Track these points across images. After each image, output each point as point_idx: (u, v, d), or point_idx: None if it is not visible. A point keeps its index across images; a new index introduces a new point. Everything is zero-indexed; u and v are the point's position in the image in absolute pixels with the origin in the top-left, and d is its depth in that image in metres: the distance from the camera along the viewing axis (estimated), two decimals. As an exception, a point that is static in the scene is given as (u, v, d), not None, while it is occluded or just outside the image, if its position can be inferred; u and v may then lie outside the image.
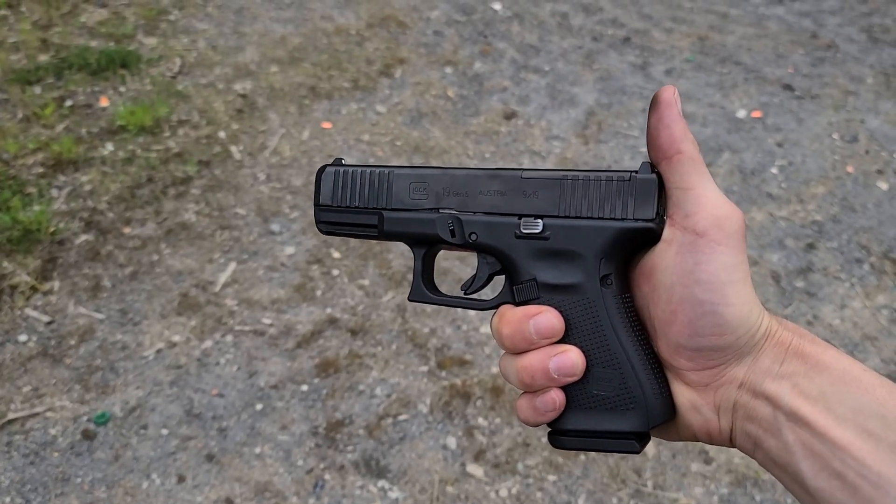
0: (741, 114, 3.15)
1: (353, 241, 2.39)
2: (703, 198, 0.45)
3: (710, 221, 0.44)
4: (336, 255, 2.33)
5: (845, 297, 2.36)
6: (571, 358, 0.46)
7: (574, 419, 0.47)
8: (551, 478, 1.79)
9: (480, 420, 1.90)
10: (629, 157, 2.87)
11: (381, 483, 1.75)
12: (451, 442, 1.85)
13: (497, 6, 3.73)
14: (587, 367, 0.47)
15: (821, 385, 0.42)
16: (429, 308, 2.19)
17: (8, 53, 2.91)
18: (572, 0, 3.85)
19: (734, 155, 2.92)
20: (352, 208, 0.52)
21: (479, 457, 1.83)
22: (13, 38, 3.01)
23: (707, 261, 0.43)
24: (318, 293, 2.20)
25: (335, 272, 2.28)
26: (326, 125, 2.88)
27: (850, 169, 2.89)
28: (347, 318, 2.13)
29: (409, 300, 0.53)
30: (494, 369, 2.00)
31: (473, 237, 0.49)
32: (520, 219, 0.47)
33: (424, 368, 2.02)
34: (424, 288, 0.52)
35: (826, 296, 2.37)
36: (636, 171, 0.46)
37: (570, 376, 0.46)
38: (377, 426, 1.87)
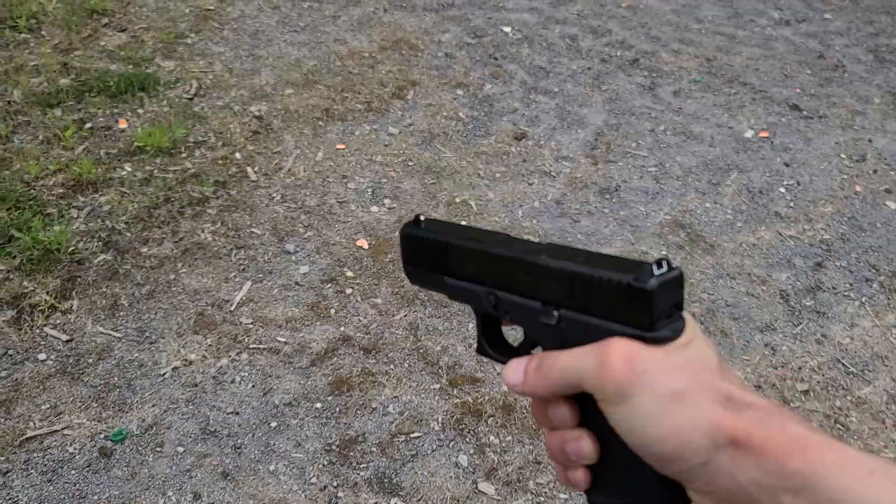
0: (749, 134, 3.18)
1: (366, 261, 2.43)
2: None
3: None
4: (349, 273, 2.37)
5: (855, 316, 2.37)
6: (583, 447, 0.46)
7: (601, 495, 0.48)
8: (562, 496, 1.80)
9: (492, 438, 1.92)
10: (638, 177, 2.90)
11: (394, 501, 1.77)
12: (463, 459, 1.87)
13: (507, 29, 3.79)
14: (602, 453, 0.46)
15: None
16: (440, 327, 2.22)
17: (29, 77, 2.98)
18: (581, 23, 3.90)
19: (742, 174, 2.95)
20: (422, 269, 0.55)
21: (490, 474, 1.84)
22: (34, 61, 3.08)
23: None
24: (332, 312, 2.23)
25: (348, 291, 2.31)
26: (340, 146, 2.93)
27: (858, 188, 2.91)
28: (360, 337, 2.16)
29: (476, 352, 0.56)
30: (505, 387, 2.02)
31: (507, 316, 0.51)
32: (542, 305, 0.47)
33: (436, 386, 2.05)
34: (485, 345, 0.54)
35: (835, 315, 2.38)
36: (638, 275, 0.42)
37: (587, 460, 0.46)
38: (390, 444, 1.89)
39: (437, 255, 0.54)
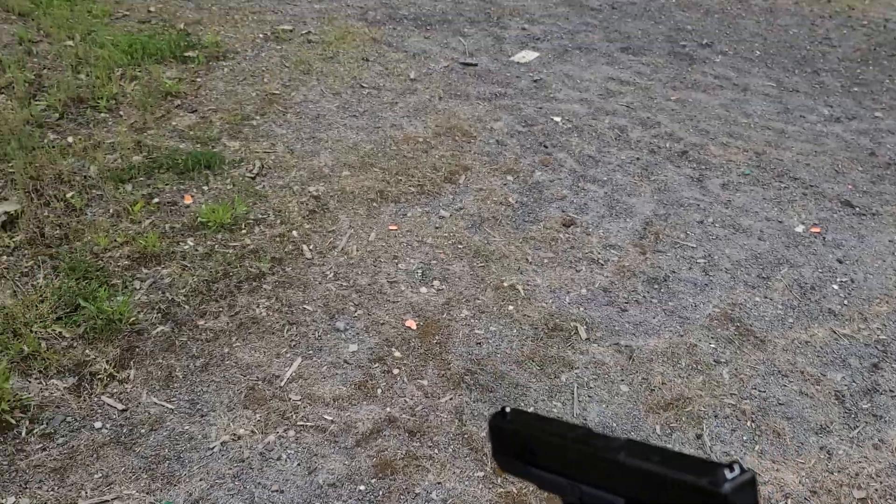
0: (799, 229, 3.17)
1: (414, 342, 2.46)
2: None
3: None
4: (397, 354, 2.40)
5: (914, 421, 2.30)
6: None
7: None
8: None
9: (535, 531, 1.89)
10: (686, 268, 2.90)
11: (435, 591, 1.74)
12: (506, 552, 1.84)
13: (557, 119, 3.90)
14: None
15: None
16: (486, 412, 2.22)
17: (105, 153, 3.17)
18: (630, 115, 4.00)
19: (793, 269, 2.93)
20: (511, 459, 0.58)
21: (533, 570, 1.81)
22: (111, 139, 3.28)
23: None
24: (379, 392, 2.26)
25: (395, 371, 2.34)
26: (392, 227, 3.01)
27: (914, 288, 2.86)
28: (406, 419, 2.18)
29: None
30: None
31: None
32: (625, 501, 0.50)
33: (480, 474, 2.03)
34: None
35: (893, 419, 2.31)
36: (713, 479, 0.43)
37: None
38: (432, 531, 1.87)
39: (523, 448, 0.57)
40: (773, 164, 3.62)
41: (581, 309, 2.68)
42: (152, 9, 4.59)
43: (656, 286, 2.81)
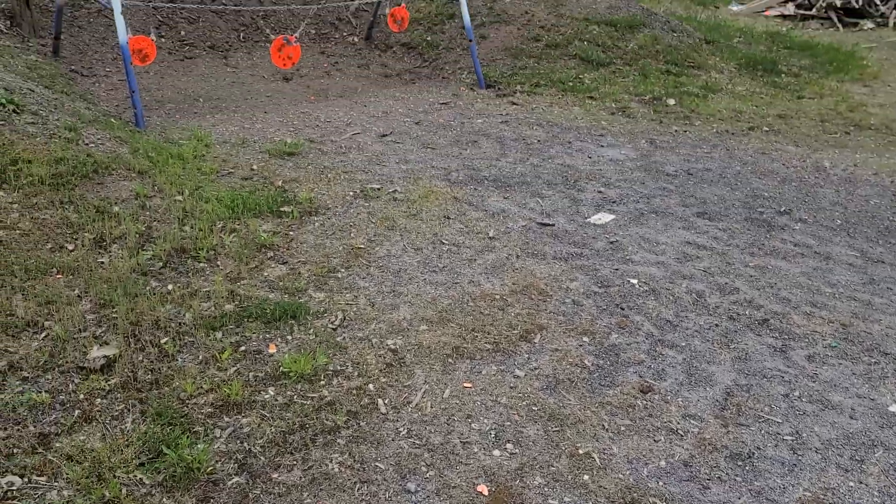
0: (894, 408, 3.01)
1: (485, 509, 2.40)
2: None
3: None
4: (467, 522, 2.34)
5: None
6: None
7: None
8: None
9: None
10: (772, 445, 2.77)
11: None
12: None
13: (634, 281, 3.93)
14: None
15: None
16: None
17: (200, 302, 3.37)
18: (708, 279, 4.00)
19: (888, 453, 2.76)
20: None
21: None
22: (207, 288, 3.49)
23: None
24: (447, 563, 2.19)
25: (465, 541, 2.27)
26: (467, 385, 3.03)
27: None
28: None
29: None
30: None
31: None
32: None
33: None
34: None
35: None
36: None
37: None
38: None
39: None
40: (861, 337, 3.51)
41: (660, 483, 2.57)
42: (255, 167, 5.00)
43: (740, 463, 2.69)
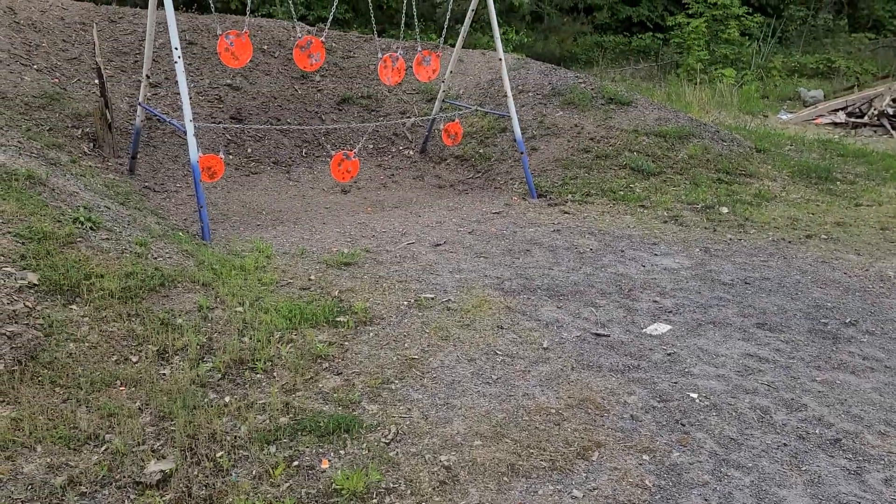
0: None
1: None
2: None
3: None
4: None
5: None
6: None
7: None
8: None
9: None
10: (854, 580, 2.58)
11: None
12: None
13: (694, 395, 3.82)
14: None
15: None
16: None
17: (256, 414, 3.40)
18: (772, 394, 3.85)
19: None
20: None
21: None
22: (262, 400, 3.53)
23: None
24: None
25: None
26: (522, 506, 2.94)
27: None
28: None
29: None
30: None
31: None
32: None
33: None
34: None
35: None
36: None
37: None
38: None
39: None
40: (944, 459, 3.29)
41: None
42: (312, 277, 5.13)
43: None
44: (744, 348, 4.42)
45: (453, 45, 9.05)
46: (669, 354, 4.29)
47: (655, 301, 5.09)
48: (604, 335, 4.51)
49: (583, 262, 5.84)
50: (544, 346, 4.32)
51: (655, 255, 6.10)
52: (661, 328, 4.65)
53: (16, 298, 3.74)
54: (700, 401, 3.78)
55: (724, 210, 7.38)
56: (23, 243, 4.14)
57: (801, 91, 15.47)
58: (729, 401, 3.78)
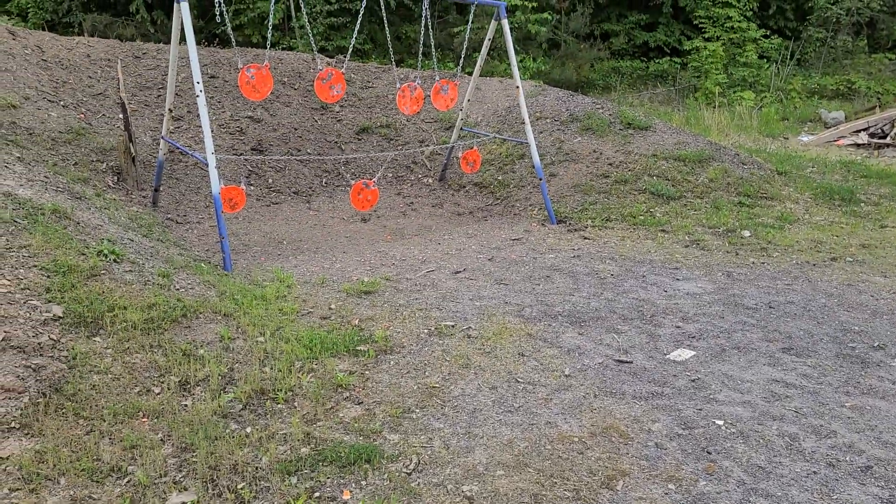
0: None
1: None
2: None
3: None
4: None
5: None
6: None
7: None
8: None
9: None
10: None
11: None
12: None
13: (720, 422, 3.75)
14: None
15: None
16: None
17: (277, 444, 3.39)
18: (800, 421, 3.77)
19: None
20: None
21: None
22: (284, 430, 3.53)
23: None
24: None
25: None
26: (546, 537, 2.88)
27: None
28: None
29: None
30: None
31: None
32: None
33: None
34: None
35: None
36: None
37: None
38: None
39: None
40: (981, 487, 3.19)
41: None
42: (333, 306, 5.14)
43: None
44: (770, 374, 4.34)
45: (471, 74, 9.14)
46: (694, 380, 4.23)
47: (678, 326, 5.03)
48: (626, 361, 4.46)
49: (604, 287, 5.80)
50: (566, 373, 4.28)
51: (677, 279, 6.05)
52: (685, 354, 4.59)
53: (41, 331, 3.79)
54: (726, 428, 3.71)
55: (747, 233, 7.31)
56: (48, 276, 4.20)
57: (822, 113, 15.37)
58: (756, 428, 3.71)
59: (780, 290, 5.84)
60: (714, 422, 3.77)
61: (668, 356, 4.56)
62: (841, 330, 5.03)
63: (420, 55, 9.72)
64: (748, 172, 8.83)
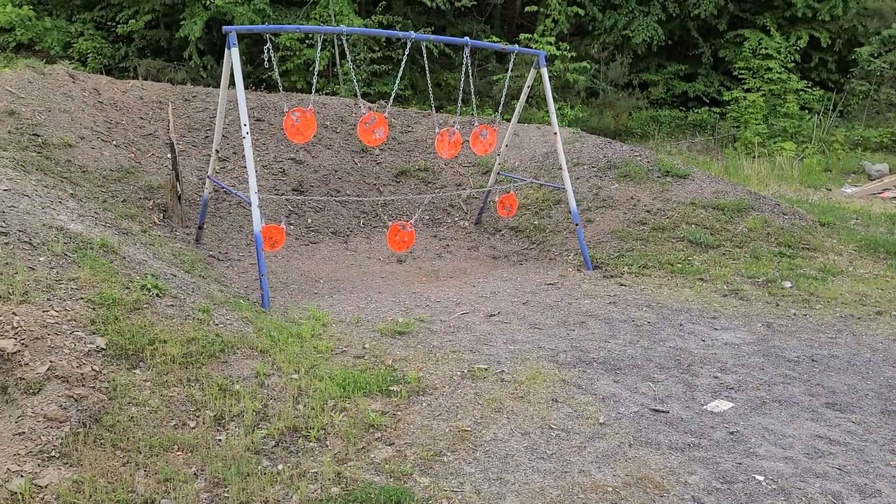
0: None
1: None
2: None
3: None
4: None
5: None
6: None
7: None
8: None
9: None
10: None
11: None
12: None
13: (760, 478, 3.65)
14: None
15: None
16: None
17: (308, 483, 3.40)
18: (844, 479, 3.65)
19: None
20: None
21: None
22: (315, 468, 3.53)
23: None
24: None
25: None
26: (577, 589, 2.82)
27: None
28: None
29: None
30: None
31: None
32: None
33: None
34: None
35: None
36: None
37: None
38: None
39: None
40: None
41: None
42: (367, 345, 5.17)
43: None
44: (812, 429, 4.22)
45: (509, 120, 9.26)
46: (732, 433, 4.13)
47: (716, 377, 4.94)
48: (662, 411, 4.38)
49: (640, 335, 5.73)
50: (601, 420, 4.22)
51: (715, 329, 5.95)
52: (723, 405, 4.49)
53: (84, 362, 3.88)
54: (767, 484, 3.61)
55: (787, 284, 7.18)
56: (94, 308, 4.31)
57: (866, 164, 15.15)
58: (798, 485, 3.60)
59: (822, 343, 5.70)
60: (754, 477, 3.67)
61: (705, 407, 4.47)
62: (886, 386, 4.88)
63: (459, 101, 9.89)
64: (789, 223, 8.71)
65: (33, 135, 7.69)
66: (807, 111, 19.02)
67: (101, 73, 14.40)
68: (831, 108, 19.21)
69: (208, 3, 15.62)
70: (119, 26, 16.55)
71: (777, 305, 6.66)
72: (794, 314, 6.44)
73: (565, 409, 4.35)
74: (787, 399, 4.63)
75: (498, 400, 4.41)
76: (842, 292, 7.04)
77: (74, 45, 16.48)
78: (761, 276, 7.38)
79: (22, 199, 5.50)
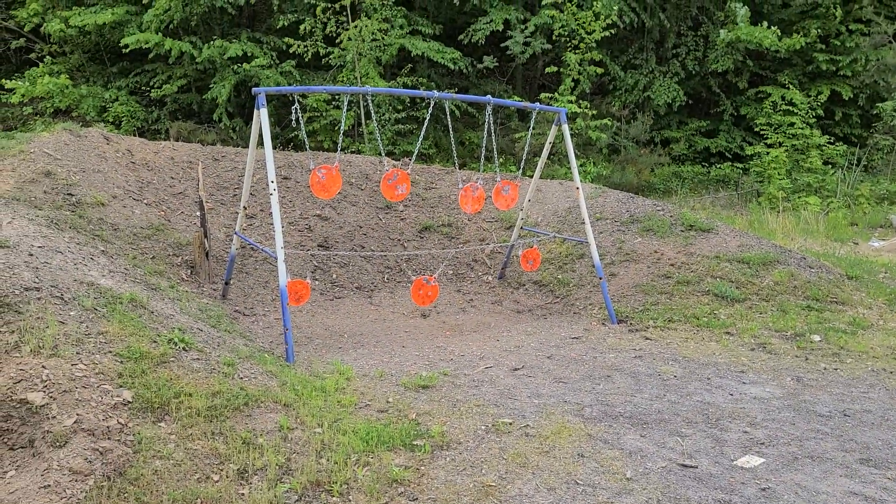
0: None
1: None
2: None
3: None
4: None
5: None
6: None
7: None
8: None
9: None
10: None
11: None
12: None
13: (793, 535, 3.53)
14: None
15: None
16: None
17: (331, 537, 3.36)
18: (883, 537, 3.52)
19: None
20: None
21: None
22: (338, 522, 3.49)
23: None
24: None
25: None
26: None
27: None
28: None
29: None
30: None
31: None
32: None
33: None
34: None
35: None
36: None
37: None
38: None
39: None
40: None
41: None
42: (390, 399, 5.16)
43: None
44: (847, 486, 4.10)
45: (531, 177, 9.37)
46: (764, 489, 4.02)
47: (746, 432, 4.84)
48: (691, 466, 4.29)
49: (666, 389, 5.65)
50: (627, 476, 4.14)
51: (744, 383, 5.85)
52: (754, 461, 4.39)
53: (111, 415, 3.92)
54: (800, 542, 3.49)
55: (816, 338, 7.06)
56: (121, 362, 4.38)
57: (893, 218, 15.00)
58: (833, 543, 3.48)
59: (855, 398, 5.57)
60: (787, 534, 3.56)
61: (735, 462, 4.37)
62: (923, 441, 4.74)
63: (482, 159, 10.05)
64: (816, 276, 8.61)
65: (68, 194, 7.94)
66: (830, 166, 18.97)
67: (135, 136, 14.88)
68: (855, 162, 19.16)
69: (237, 67, 16.19)
70: (153, 91, 17.17)
71: (806, 359, 6.54)
72: (825, 368, 6.32)
73: (591, 464, 4.28)
74: (820, 455, 4.51)
75: (523, 455, 4.35)
76: (872, 346, 6.90)
77: (109, 108, 17.10)
78: (789, 330, 7.27)
79: (55, 256, 5.65)
